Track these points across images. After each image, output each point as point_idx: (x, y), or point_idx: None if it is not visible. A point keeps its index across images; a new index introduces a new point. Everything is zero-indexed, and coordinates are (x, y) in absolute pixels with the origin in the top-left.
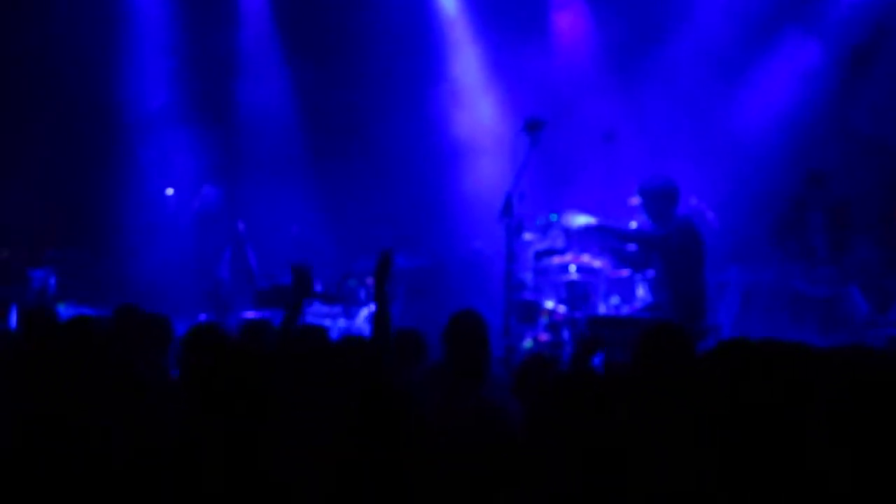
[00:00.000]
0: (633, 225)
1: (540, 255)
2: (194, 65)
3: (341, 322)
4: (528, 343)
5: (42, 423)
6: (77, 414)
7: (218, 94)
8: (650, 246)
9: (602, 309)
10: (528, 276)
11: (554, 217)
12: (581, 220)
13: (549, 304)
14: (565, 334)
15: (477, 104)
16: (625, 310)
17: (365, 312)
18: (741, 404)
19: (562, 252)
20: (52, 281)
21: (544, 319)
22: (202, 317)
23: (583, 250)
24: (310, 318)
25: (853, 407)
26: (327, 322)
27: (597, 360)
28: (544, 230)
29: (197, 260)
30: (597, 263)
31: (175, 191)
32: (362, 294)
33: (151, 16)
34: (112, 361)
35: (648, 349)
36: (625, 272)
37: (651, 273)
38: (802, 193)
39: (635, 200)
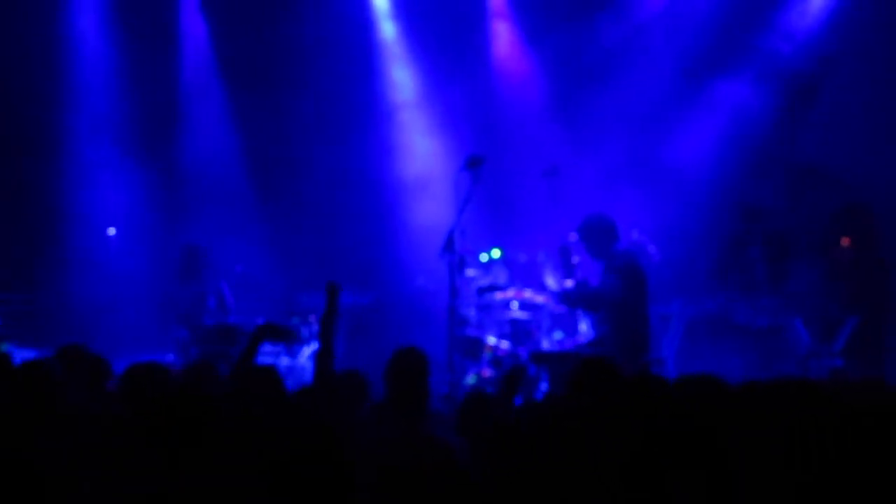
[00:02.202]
0: (576, 260)
1: (482, 291)
2: (136, 103)
3: (284, 360)
4: (471, 379)
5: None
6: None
7: (160, 131)
8: (606, 301)
9: (545, 344)
10: (471, 312)
11: (496, 253)
12: (551, 282)
13: (492, 340)
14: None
15: (419, 141)
16: (568, 345)
17: (308, 350)
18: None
19: (504, 288)
20: None
21: (488, 355)
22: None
23: (525, 285)
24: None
25: (785, 436)
26: (269, 360)
27: (539, 394)
28: (486, 266)
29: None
30: (539, 299)
31: (116, 230)
32: (305, 332)
33: (93, 52)
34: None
35: (580, 383)
36: None
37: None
38: (741, 228)
39: (574, 236)
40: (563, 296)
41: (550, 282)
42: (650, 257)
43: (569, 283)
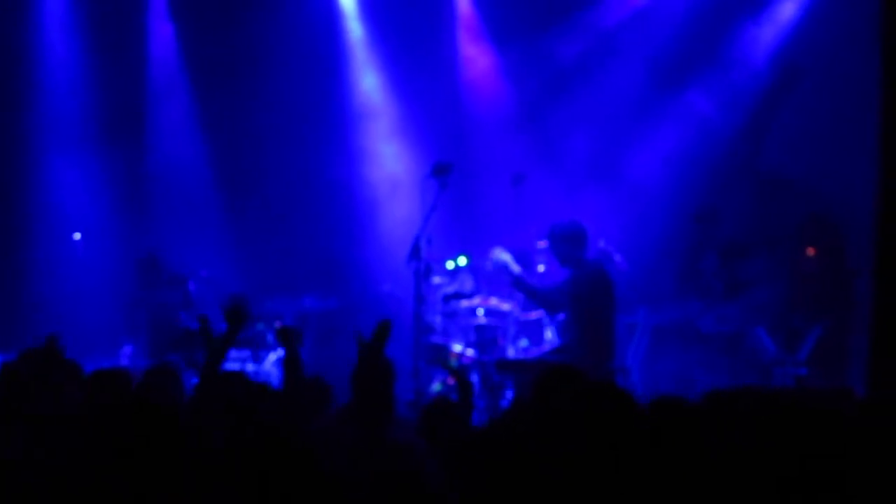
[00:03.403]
0: (541, 268)
1: (448, 299)
2: (102, 105)
3: (249, 366)
4: (436, 386)
5: None
6: None
7: (125, 134)
8: (559, 302)
9: (511, 352)
10: (437, 320)
11: (463, 260)
12: (505, 256)
13: (458, 348)
14: (474, 378)
15: (386, 146)
16: (534, 352)
17: (273, 357)
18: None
19: (470, 295)
20: None
21: (453, 362)
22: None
23: (491, 293)
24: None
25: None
26: (235, 366)
27: (504, 402)
28: (453, 273)
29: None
30: (505, 307)
31: (81, 234)
32: (270, 338)
33: (59, 55)
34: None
35: (544, 392)
36: (533, 315)
37: (560, 316)
38: (696, 234)
39: (542, 244)
40: (517, 281)
41: (506, 257)
42: (617, 266)
43: (541, 268)
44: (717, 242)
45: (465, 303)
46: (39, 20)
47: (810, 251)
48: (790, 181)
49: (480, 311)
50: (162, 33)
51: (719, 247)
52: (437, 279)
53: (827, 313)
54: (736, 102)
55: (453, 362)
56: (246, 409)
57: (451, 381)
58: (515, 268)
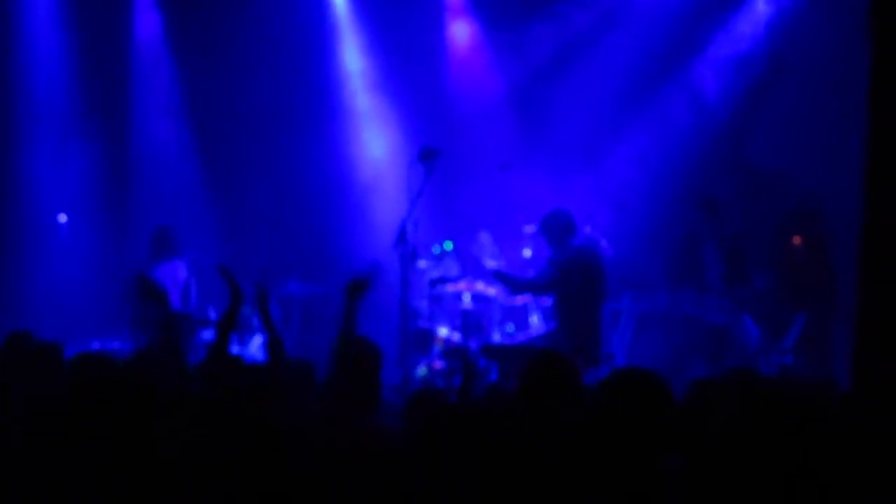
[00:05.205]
0: (527, 253)
1: (434, 283)
2: (87, 92)
3: (234, 349)
4: (422, 371)
5: None
6: None
7: (111, 123)
8: (542, 288)
9: (496, 337)
10: (423, 304)
11: (449, 245)
12: (485, 240)
13: (444, 332)
14: (457, 363)
15: (373, 131)
16: (519, 338)
17: (258, 340)
18: (631, 432)
19: (456, 280)
20: None
21: (438, 347)
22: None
23: (477, 278)
24: (202, 346)
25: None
26: None
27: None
28: (439, 258)
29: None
30: (491, 291)
31: (67, 217)
32: (256, 321)
33: (45, 40)
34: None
35: (532, 378)
36: (519, 300)
37: (548, 301)
38: (696, 222)
39: (530, 229)
40: (497, 274)
41: (487, 259)
42: (603, 252)
43: (527, 252)
44: (720, 235)
45: (450, 287)
46: (24, 8)
47: (796, 240)
48: (777, 172)
49: (466, 296)
50: (148, 22)
51: (722, 239)
52: (422, 263)
53: (811, 301)
54: (722, 95)
55: (441, 347)
56: (237, 391)
57: (436, 365)
58: (490, 263)
